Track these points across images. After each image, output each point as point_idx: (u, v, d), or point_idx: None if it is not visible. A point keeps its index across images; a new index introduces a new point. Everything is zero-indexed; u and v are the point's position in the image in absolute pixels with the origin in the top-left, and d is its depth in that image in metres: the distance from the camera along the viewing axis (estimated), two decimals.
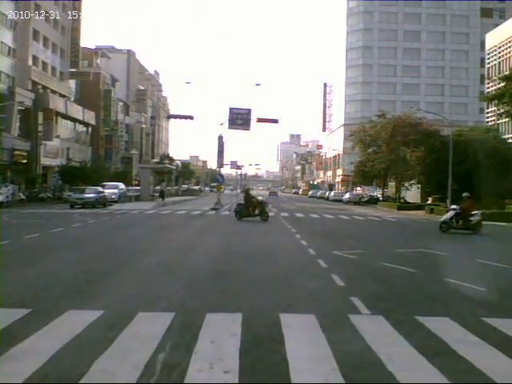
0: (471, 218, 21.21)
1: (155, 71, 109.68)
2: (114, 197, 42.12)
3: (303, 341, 5.77)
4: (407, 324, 6.60)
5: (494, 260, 13.00)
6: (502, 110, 40.69)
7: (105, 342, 5.56)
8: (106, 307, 7.11)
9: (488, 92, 50.34)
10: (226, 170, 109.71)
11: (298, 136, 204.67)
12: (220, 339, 5.75)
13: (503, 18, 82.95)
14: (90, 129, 64.73)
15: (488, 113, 60.73)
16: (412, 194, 55.79)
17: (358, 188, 74.92)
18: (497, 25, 68.94)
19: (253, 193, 31.54)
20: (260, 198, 26.95)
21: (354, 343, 5.75)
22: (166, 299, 7.77)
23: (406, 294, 8.76)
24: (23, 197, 39.96)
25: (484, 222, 30.00)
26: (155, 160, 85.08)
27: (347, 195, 64.82)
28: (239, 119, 42.37)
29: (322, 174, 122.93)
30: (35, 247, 13.59)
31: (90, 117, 62.59)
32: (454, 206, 22.97)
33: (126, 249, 13.68)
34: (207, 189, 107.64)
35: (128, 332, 5.96)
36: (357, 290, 8.74)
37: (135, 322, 6.41)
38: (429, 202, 47.14)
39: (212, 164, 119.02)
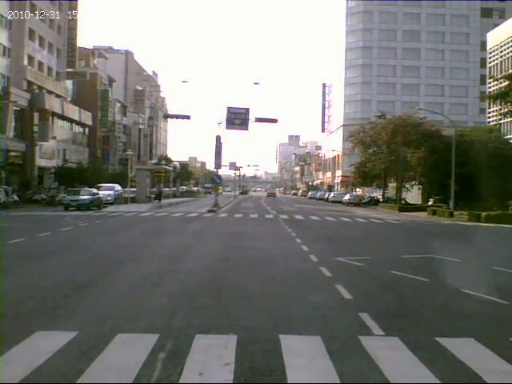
0: None
1: (153, 72, 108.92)
2: (109, 198, 41.16)
3: (308, 374, 4.86)
4: (428, 348, 5.70)
5: (509, 267, 12.14)
6: (506, 110, 39.87)
7: (71, 375, 4.73)
8: (81, 327, 6.25)
9: (490, 91, 49.50)
10: (225, 171, 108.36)
11: (297, 137, 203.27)
12: (210, 370, 4.92)
13: (503, 17, 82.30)
14: (86, 129, 63.83)
15: (490, 113, 59.89)
16: (413, 195, 54.96)
17: (358, 189, 74.02)
18: (497, 25, 68.18)
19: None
20: None
21: (368, 376, 4.88)
22: (150, 317, 6.86)
23: (421, 308, 7.84)
24: (16, 199, 39.04)
25: (489, 224, 29.30)
26: (153, 161, 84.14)
27: (347, 196, 63.80)
28: (237, 119, 41.37)
29: (321, 175, 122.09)
30: (15, 254, 12.62)
31: (86, 117, 61.69)
32: None
33: (113, 256, 12.72)
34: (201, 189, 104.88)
35: (101, 361, 5.10)
36: (366, 304, 7.84)
37: (112, 346, 5.54)
38: (430, 203, 46.39)
39: (211, 165, 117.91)
